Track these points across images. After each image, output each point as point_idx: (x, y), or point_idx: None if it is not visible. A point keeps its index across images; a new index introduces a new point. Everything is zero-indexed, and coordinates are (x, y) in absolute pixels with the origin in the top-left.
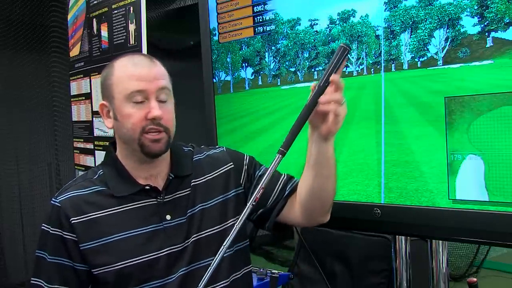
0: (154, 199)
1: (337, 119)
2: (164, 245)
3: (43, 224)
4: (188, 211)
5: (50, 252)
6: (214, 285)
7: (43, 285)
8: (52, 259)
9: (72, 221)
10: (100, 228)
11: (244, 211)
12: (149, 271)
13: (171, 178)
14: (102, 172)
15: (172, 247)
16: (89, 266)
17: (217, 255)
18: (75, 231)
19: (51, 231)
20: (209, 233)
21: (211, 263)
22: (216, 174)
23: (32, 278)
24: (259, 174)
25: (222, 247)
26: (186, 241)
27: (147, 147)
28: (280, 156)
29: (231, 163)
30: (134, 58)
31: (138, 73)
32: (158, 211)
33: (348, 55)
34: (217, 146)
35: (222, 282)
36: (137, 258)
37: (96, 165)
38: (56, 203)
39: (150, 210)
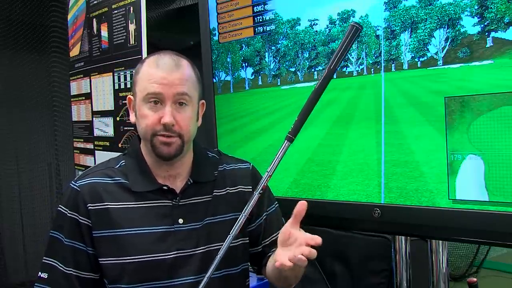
0: (170, 201)
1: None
2: (172, 248)
3: (60, 206)
4: (207, 218)
5: (66, 234)
6: None
7: (58, 266)
8: (68, 242)
9: (89, 207)
10: (113, 219)
11: (250, 200)
12: (153, 271)
13: (189, 183)
14: (124, 163)
15: (180, 251)
16: (97, 253)
17: (223, 246)
18: (90, 217)
19: (68, 214)
20: (219, 247)
21: (219, 275)
22: (235, 190)
23: (46, 258)
24: (265, 214)
25: (228, 237)
26: (196, 249)
27: (157, 148)
28: (288, 142)
29: (250, 187)
30: (161, 59)
31: (158, 76)
32: (172, 214)
33: (348, 54)
34: (245, 161)
35: None
36: (142, 256)
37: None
38: (75, 187)
39: (164, 212)
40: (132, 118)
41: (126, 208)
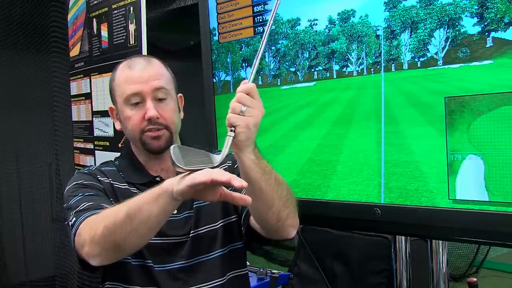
0: None
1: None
2: (166, 234)
3: (74, 183)
4: (195, 203)
5: (85, 184)
6: (210, 283)
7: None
8: (87, 185)
9: (99, 178)
10: (117, 196)
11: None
12: (142, 253)
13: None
14: (118, 163)
15: (173, 238)
16: None
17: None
18: (107, 179)
19: (85, 181)
20: (209, 228)
21: (210, 259)
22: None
23: (70, 221)
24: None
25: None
26: (187, 235)
27: (148, 144)
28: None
29: (230, 162)
30: (132, 61)
31: (133, 76)
32: None
33: (348, 54)
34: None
35: (218, 280)
36: None
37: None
38: (84, 170)
39: None
40: (118, 126)
41: (127, 190)
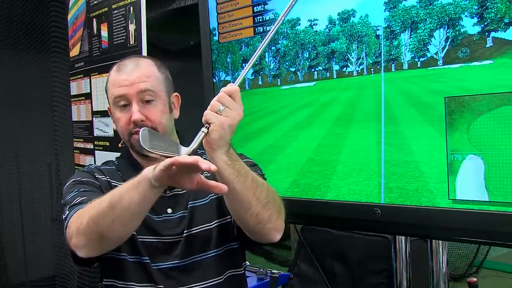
0: None
1: (210, 128)
2: (161, 234)
3: (72, 180)
4: (189, 203)
5: (82, 181)
6: (205, 283)
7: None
8: (83, 181)
9: (97, 176)
10: None
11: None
12: (139, 250)
13: None
14: (117, 163)
15: (167, 237)
16: None
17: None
18: (104, 178)
19: (83, 178)
20: (203, 228)
21: (205, 259)
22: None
23: (69, 213)
24: None
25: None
26: (180, 235)
27: (135, 146)
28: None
29: None
30: (122, 63)
31: (119, 79)
32: (160, 205)
33: (348, 54)
34: None
35: (213, 280)
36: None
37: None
38: (83, 169)
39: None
40: (114, 126)
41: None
